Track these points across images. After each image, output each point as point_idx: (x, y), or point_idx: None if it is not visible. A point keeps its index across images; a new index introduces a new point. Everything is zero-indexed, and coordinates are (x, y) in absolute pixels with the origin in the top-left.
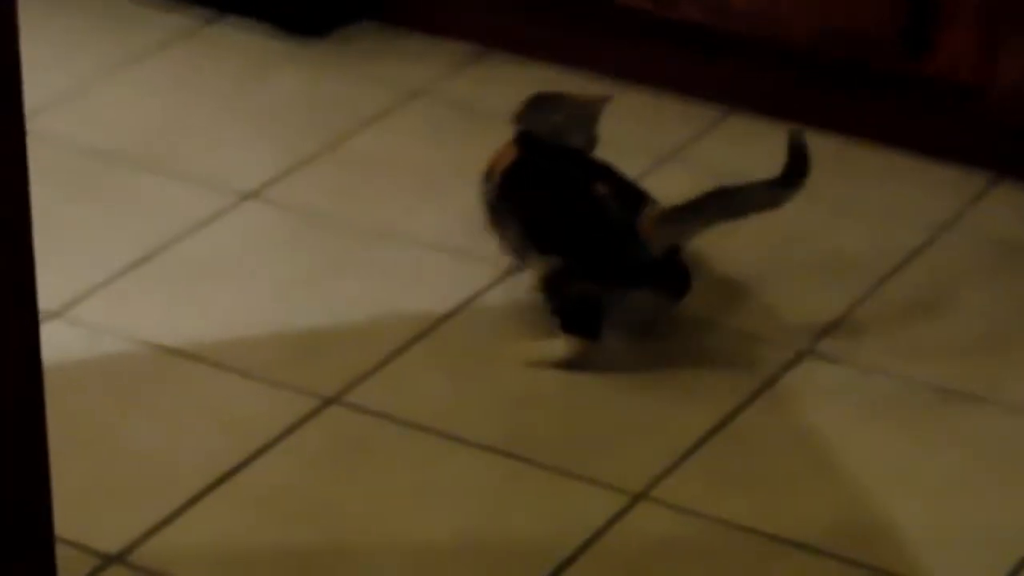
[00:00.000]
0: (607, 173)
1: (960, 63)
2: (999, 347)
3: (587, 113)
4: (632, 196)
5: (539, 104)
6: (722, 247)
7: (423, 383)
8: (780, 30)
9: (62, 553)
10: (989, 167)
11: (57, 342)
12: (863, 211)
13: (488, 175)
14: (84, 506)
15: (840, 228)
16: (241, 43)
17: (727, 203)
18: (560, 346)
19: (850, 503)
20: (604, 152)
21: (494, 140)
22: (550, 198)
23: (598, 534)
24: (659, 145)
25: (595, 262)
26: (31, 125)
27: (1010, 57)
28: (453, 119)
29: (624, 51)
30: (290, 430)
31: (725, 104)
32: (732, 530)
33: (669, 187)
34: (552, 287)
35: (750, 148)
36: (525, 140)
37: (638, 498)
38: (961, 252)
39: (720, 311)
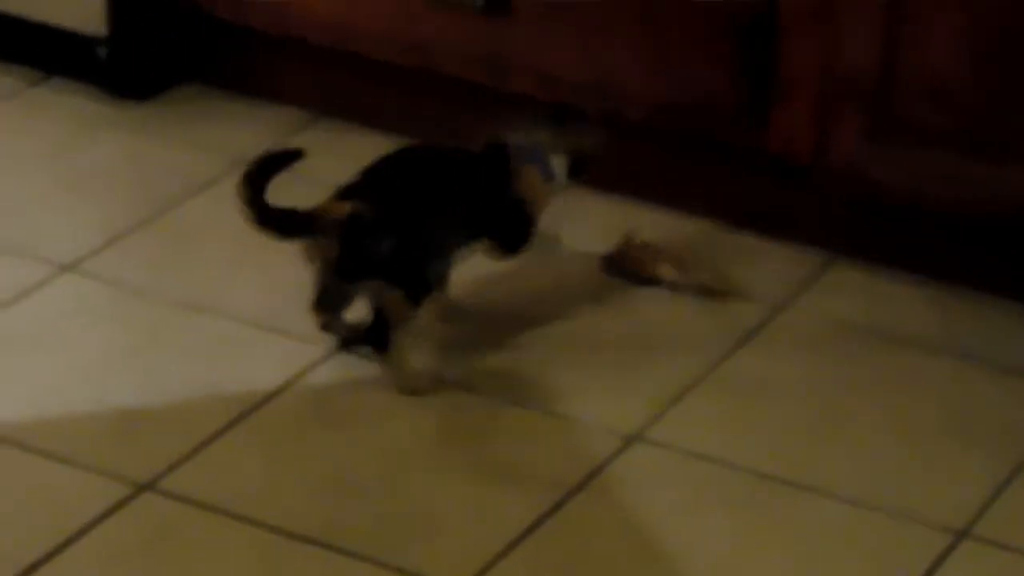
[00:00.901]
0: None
1: (794, 139)
2: (825, 431)
3: None
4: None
5: None
6: (544, 333)
7: (242, 468)
8: (616, 102)
9: None
10: (824, 246)
11: None
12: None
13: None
14: None
15: (676, 304)
16: (66, 105)
17: None
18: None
19: None
20: None
21: None
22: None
23: None
24: None
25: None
26: None
27: (842, 135)
28: (282, 186)
29: (458, 121)
30: (102, 518)
31: None
32: None
33: None
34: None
35: (585, 221)
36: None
37: None
38: (796, 332)
39: (548, 396)
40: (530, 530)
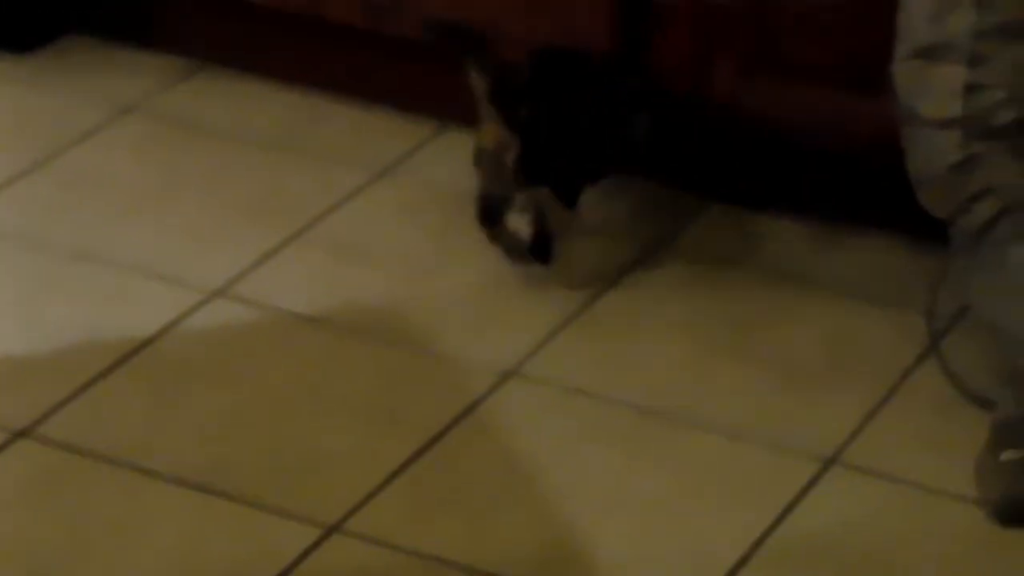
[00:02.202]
0: None
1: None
2: (704, 366)
3: None
4: None
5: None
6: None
7: (121, 412)
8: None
9: None
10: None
11: None
12: None
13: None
14: None
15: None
16: None
17: None
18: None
19: (554, 529)
20: (318, 167)
21: (207, 156)
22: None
23: (288, 569)
24: (374, 159)
25: None
26: None
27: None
28: (166, 135)
29: (340, 65)
30: None
31: (439, 119)
32: (428, 562)
33: (385, 199)
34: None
35: (463, 162)
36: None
37: (332, 530)
38: (672, 271)
39: (422, 334)
40: (404, 466)
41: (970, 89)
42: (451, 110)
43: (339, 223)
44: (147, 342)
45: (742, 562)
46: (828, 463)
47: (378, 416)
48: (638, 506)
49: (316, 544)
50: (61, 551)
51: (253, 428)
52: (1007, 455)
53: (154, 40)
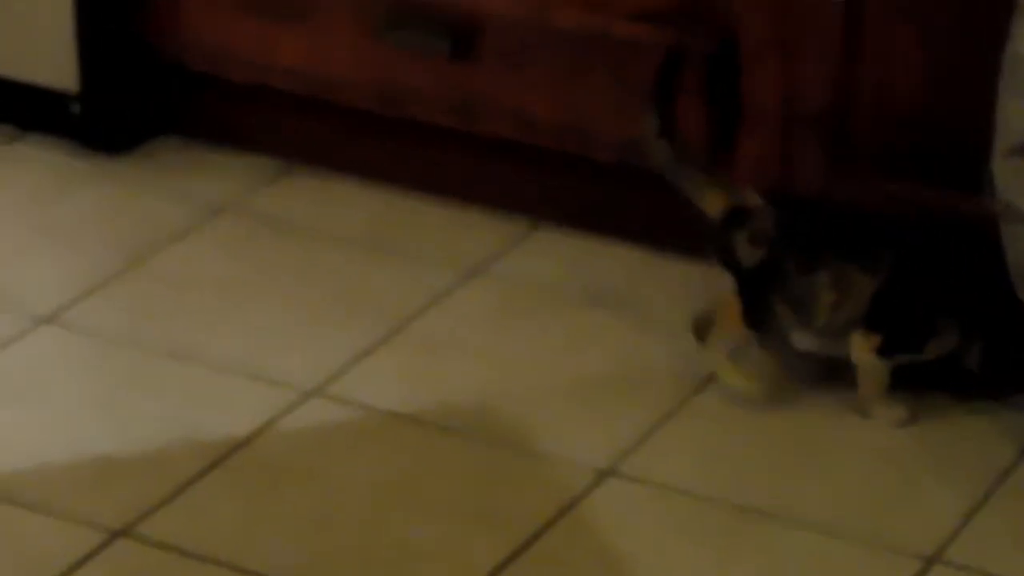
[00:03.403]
0: None
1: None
2: (795, 462)
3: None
4: None
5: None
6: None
7: (217, 512)
8: (586, 142)
9: None
10: None
11: None
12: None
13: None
14: None
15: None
16: (42, 161)
17: None
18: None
19: None
20: (409, 266)
21: (297, 255)
22: None
23: None
24: (466, 258)
25: None
26: None
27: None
28: (257, 235)
29: (430, 165)
30: (77, 566)
31: (532, 217)
32: None
33: (477, 298)
34: None
35: (558, 261)
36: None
37: None
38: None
39: (517, 432)
40: (501, 567)
41: None
42: (544, 209)
43: (431, 322)
44: (242, 442)
45: None
46: (930, 561)
47: (472, 515)
48: None
49: None
50: None
51: (346, 528)
52: None
53: (244, 141)
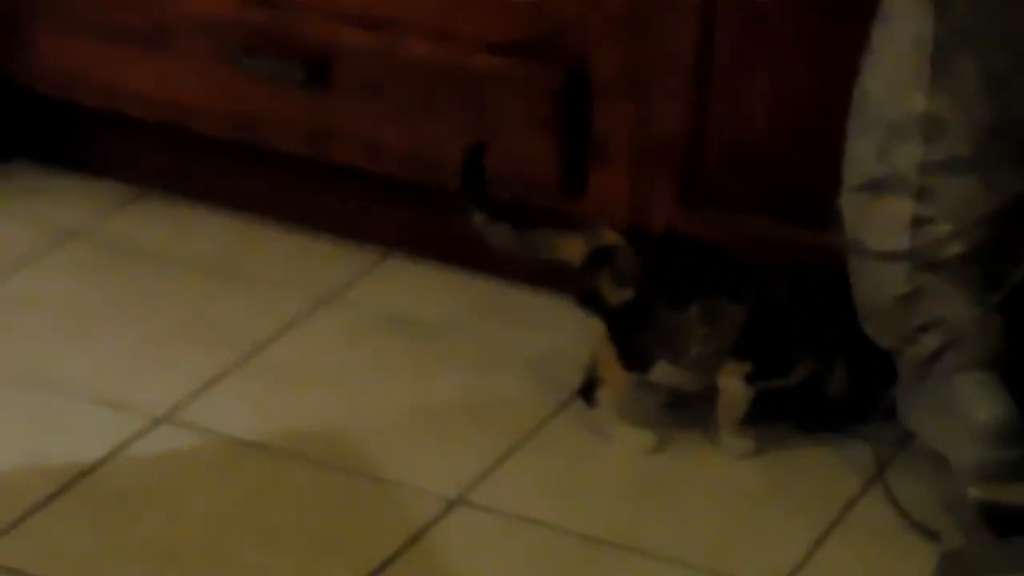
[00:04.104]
0: None
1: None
2: (643, 493)
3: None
4: None
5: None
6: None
7: (64, 539)
8: (437, 172)
9: None
10: None
11: None
12: (524, 356)
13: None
14: None
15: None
16: None
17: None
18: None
19: None
20: (260, 293)
21: (148, 281)
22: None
23: None
24: (317, 286)
25: None
26: None
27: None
28: (108, 260)
29: (282, 192)
30: None
31: (382, 246)
32: None
33: (327, 326)
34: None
35: (407, 290)
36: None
37: None
38: None
39: (366, 460)
40: None
41: (917, 222)
42: (394, 238)
43: (282, 349)
44: (90, 469)
45: None
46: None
47: (321, 544)
48: None
49: None
50: None
51: (195, 555)
52: None
53: (96, 166)
